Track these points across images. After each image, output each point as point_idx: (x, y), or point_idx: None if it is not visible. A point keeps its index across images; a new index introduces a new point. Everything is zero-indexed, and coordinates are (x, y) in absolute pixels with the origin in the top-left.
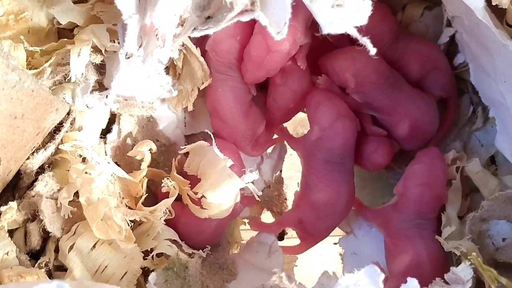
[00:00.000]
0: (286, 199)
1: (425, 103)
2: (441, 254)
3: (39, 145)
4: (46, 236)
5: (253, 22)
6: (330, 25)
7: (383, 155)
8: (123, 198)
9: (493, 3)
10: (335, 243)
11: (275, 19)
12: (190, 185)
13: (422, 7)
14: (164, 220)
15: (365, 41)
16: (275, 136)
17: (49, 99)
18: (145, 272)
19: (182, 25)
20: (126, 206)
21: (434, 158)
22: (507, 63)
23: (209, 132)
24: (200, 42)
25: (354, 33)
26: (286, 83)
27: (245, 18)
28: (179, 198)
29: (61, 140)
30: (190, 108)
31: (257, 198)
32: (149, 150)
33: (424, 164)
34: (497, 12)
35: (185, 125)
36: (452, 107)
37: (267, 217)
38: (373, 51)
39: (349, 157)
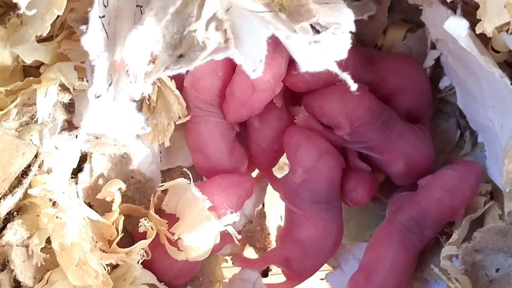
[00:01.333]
0: (269, 234)
1: (419, 139)
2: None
3: (6, 191)
4: (17, 286)
5: None
6: (308, 63)
7: (362, 194)
8: (96, 242)
9: (477, 32)
10: (321, 279)
11: (251, 56)
12: (168, 224)
13: (405, 30)
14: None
15: (346, 77)
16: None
17: (14, 143)
18: None
19: (154, 62)
20: (100, 250)
21: (471, 172)
22: (494, 89)
23: (187, 171)
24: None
25: (334, 69)
26: (266, 124)
27: (219, 56)
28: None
29: (29, 184)
30: (167, 143)
31: (236, 242)
32: (118, 189)
33: (458, 172)
34: (482, 38)
35: (160, 160)
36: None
37: (249, 253)
38: (353, 87)
39: (336, 195)
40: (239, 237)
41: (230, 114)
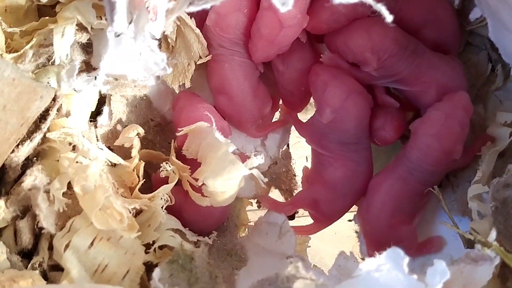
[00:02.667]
0: (295, 175)
1: (451, 68)
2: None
3: (24, 136)
4: (38, 234)
5: None
6: None
7: (390, 132)
8: (118, 189)
9: None
10: (349, 220)
11: None
12: (190, 170)
13: None
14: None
15: (380, 8)
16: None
17: (32, 86)
18: (148, 267)
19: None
20: (122, 196)
21: (456, 107)
22: None
23: (209, 114)
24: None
25: (368, 0)
26: (290, 66)
27: None
28: (178, 183)
29: (48, 128)
30: (188, 84)
31: (263, 185)
32: (137, 135)
33: (442, 112)
34: None
35: None
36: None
37: (275, 195)
38: (389, 18)
39: (365, 136)
40: (265, 180)
41: (258, 53)
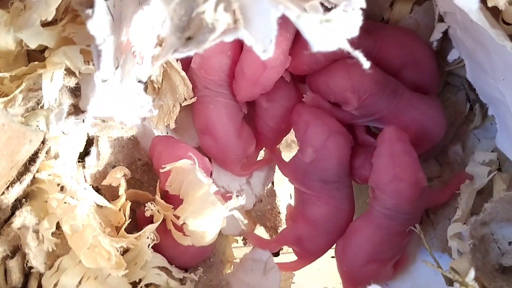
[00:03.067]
0: (279, 212)
1: (430, 107)
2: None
3: (14, 179)
4: (27, 273)
5: None
6: (320, 43)
7: (370, 170)
8: (104, 228)
9: (489, 5)
10: (332, 257)
11: (260, 37)
12: (173, 208)
13: (411, 3)
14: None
15: (358, 55)
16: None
17: (21, 131)
18: None
19: (161, 45)
20: (109, 236)
21: (391, 143)
22: (505, 62)
23: (192, 156)
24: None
25: (346, 47)
26: (274, 102)
27: (229, 38)
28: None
29: (37, 170)
30: (172, 125)
31: (243, 226)
32: (123, 175)
33: (385, 155)
34: (492, 10)
35: None
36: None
37: (259, 232)
38: (366, 64)
39: (346, 174)
40: (246, 222)
41: (242, 93)
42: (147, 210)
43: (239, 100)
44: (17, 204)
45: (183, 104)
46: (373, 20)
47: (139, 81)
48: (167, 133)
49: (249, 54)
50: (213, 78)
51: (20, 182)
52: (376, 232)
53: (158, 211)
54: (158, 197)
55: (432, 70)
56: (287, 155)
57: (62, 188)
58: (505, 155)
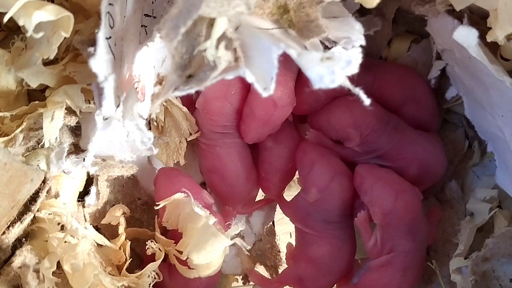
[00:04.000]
0: (279, 251)
1: (431, 144)
2: None
3: (15, 218)
4: None
5: None
6: (321, 80)
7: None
8: (105, 267)
9: (488, 40)
10: None
11: (262, 74)
12: (175, 243)
13: (409, 41)
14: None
15: (358, 92)
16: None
17: (23, 170)
18: None
19: (161, 83)
20: (110, 275)
21: (370, 171)
22: (504, 98)
23: (186, 191)
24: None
25: (347, 84)
26: (279, 142)
27: (230, 75)
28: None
29: (37, 209)
30: (182, 162)
31: (246, 252)
32: (123, 214)
33: (374, 182)
34: (490, 46)
35: None
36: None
37: (259, 271)
38: (367, 101)
39: (348, 214)
40: (248, 247)
41: (251, 134)
42: (148, 248)
43: (248, 141)
44: (17, 244)
45: (189, 139)
46: (371, 57)
47: (141, 117)
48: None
49: (258, 94)
50: (218, 119)
51: (21, 222)
52: (401, 278)
53: (159, 248)
54: (158, 233)
55: (431, 107)
56: (287, 194)
57: (62, 227)
58: (505, 192)
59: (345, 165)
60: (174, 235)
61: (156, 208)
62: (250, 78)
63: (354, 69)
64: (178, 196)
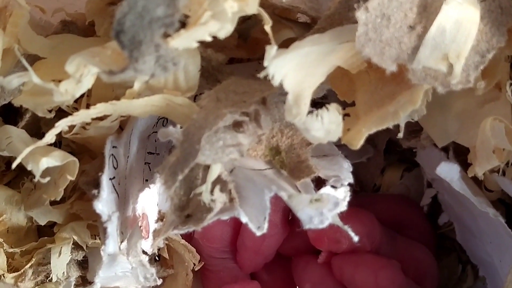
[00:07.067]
0: None
1: (426, 254)
2: None
3: None
4: None
5: None
6: (311, 221)
7: None
8: None
9: (469, 175)
10: None
11: (255, 214)
12: None
13: (401, 169)
14: None
15: (347, 230)
16: None
17: None
18: None
19: (162, 220)
20: None
21: (337, 265)
22: (490, 226)
23: None
24: None
25: (337, 222)
26: (273, 274)
27: (225, 216)
28: None
29: None
30: None
31: None
32: None
33: (349, 270)
34: (474, 178)
35: None
36: None
37: None
38: (355, 238)
39: None
40: None
41: (246, 265)
42: None
43: (245, 272)
44: None
45: (195, 269)
46: (365, 185)
47: (145, 253)
48: None
49: (248, 227)
50: (216, 246)
51: None
52: None
53: None
54: None
55: (426, 230)
56: None
57: None
58: None
59: None
60: None
61: None
62: (244, 218)
63: (342, 208)
64: None
